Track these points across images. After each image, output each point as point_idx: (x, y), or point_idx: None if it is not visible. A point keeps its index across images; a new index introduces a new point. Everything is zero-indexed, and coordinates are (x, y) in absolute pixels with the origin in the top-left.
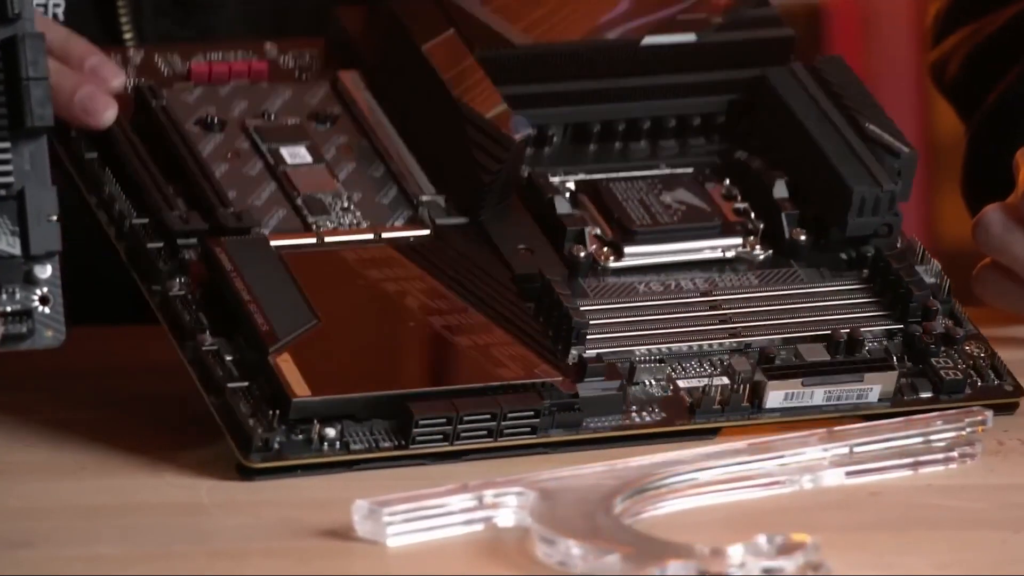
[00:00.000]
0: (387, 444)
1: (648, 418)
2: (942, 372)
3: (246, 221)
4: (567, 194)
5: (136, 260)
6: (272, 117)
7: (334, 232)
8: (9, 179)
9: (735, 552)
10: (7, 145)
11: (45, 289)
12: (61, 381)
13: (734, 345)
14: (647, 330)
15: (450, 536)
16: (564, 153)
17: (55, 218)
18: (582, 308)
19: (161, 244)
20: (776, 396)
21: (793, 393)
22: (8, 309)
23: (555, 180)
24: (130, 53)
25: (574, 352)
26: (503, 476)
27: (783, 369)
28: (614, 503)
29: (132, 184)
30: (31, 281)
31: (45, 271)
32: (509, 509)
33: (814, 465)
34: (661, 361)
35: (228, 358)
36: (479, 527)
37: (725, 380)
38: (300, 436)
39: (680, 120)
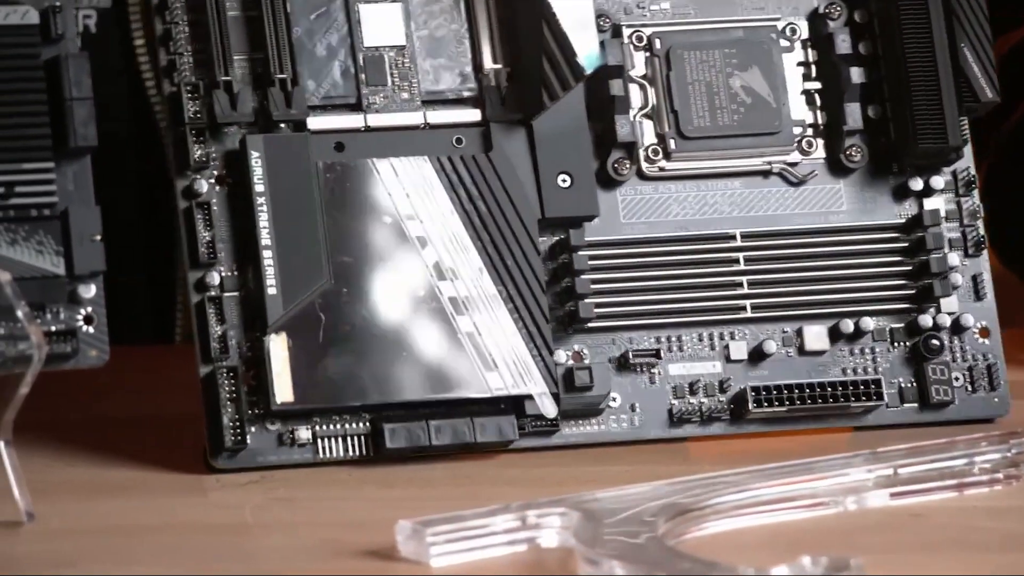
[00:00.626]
0: (356, 454)
1: (625, 425)
2: (932, 387)
3: (296, 107)
4: (633, 62)
5: (176, 128)
6: None
7: (383, 116)
8: (53, 199)
9: (780, 573)
10: (51, 165)
11: (89, 308)
12: (103, 400)
13: (740, 318)
14: (654, 300)
15: (493, 556)
16: None
17: (99, 238)
18: (596, 258)
19: (203, 127)
20: (758, 415)
21: (776, 413)
22: (53, 328)
23: (630, 31)
24: None
25: (570, 332)
26: (546, 496)
27: (770, 393)
28: (658, 524)
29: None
30: (75, 301)
31: (89, 291)
32: (552, 529)
33: (858, 486)
34: (655, 354)
35: (230, 295)
36: (522, 547)
37: (717, 368)
38: (273, 429)
39: None
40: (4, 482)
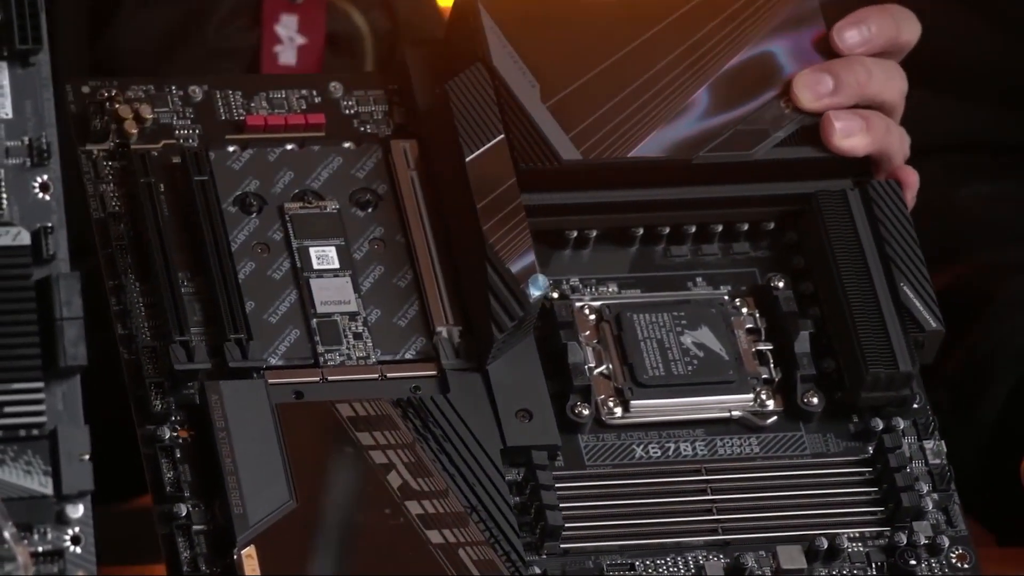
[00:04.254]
0: None
1: None
2: None
3: (252, 357)
4: (587, 327)
5: (136, 389)
6: (313, 199)
7: (340, 369)
8: (42, 419)
9: None
10: (40, 384)
11: (77, 528)
12: None
13: (713, 539)
14: (626, 525)
15: None
16: (604, 256)
17: (87, 457)
18: (564, 489)
19: (161, 380)
20: None
21: None
22: (40, 549)
23: (579, 304)
24: (193, 89)
25: (544, 555)
26: None
27: None
28: None
29: (152, 282)
30: (63, 521)
31: (77, 511)
32: None
33: None
34: (631, 568)
35: (198, 528)
36: None
37: None
38: None
39: (726, 226)
40: None
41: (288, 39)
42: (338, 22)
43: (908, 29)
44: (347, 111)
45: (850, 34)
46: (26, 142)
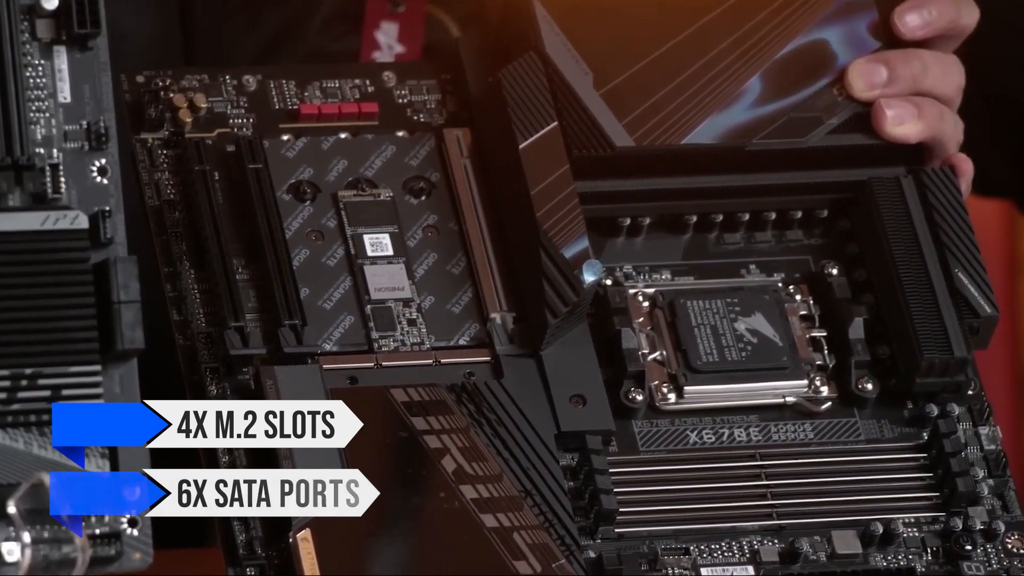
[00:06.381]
0: None
1: None
2: None
3: (307, 343)
4: (640, 313)
5: (191, 374)
6: (366, 187)
7: (394, 355)
8: (99, 402)
9: None
10: (97, 368)
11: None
12: None
13: (768, 524)
14: (680, 509)
15: None
16: (657, 243)
17: None
18: (619, 474)
19: (217, 365)
20: None
21: None
22: (97, 531)
23: (633, 291)
24: (247, 79)
25: (598, 540)
26: None
27: None
28: None
29: (207, 268)
30: None
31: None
32: None
33: None
34: (686, 552)
35: None
36: None
37: (750, 571)
38: None
39: (780, 214)
40: None
41: (387, 46)
42: (436, 34)
43: (968, 13)
44: (400, 100)
45: (911, 17)
46: (84, 126)
